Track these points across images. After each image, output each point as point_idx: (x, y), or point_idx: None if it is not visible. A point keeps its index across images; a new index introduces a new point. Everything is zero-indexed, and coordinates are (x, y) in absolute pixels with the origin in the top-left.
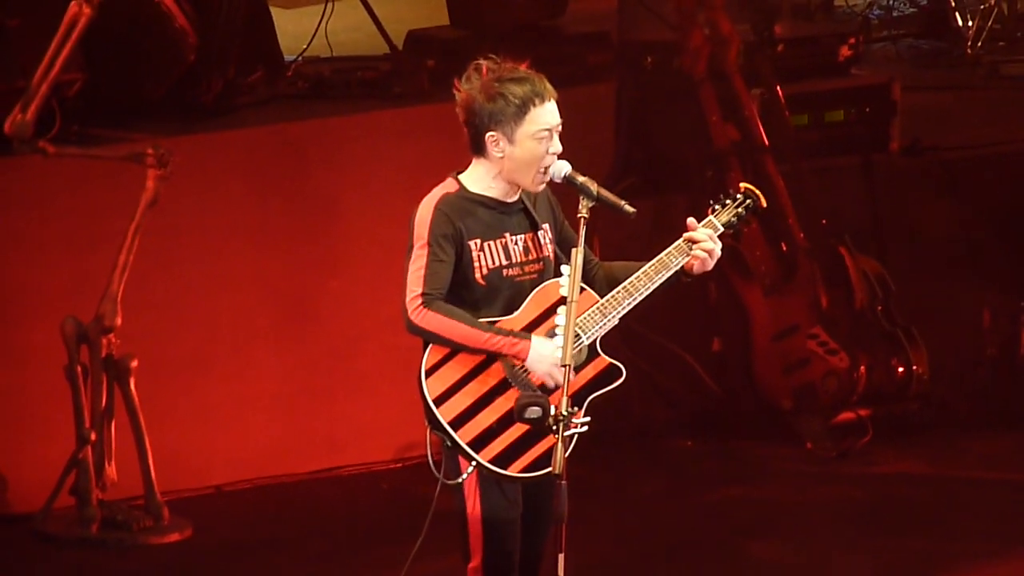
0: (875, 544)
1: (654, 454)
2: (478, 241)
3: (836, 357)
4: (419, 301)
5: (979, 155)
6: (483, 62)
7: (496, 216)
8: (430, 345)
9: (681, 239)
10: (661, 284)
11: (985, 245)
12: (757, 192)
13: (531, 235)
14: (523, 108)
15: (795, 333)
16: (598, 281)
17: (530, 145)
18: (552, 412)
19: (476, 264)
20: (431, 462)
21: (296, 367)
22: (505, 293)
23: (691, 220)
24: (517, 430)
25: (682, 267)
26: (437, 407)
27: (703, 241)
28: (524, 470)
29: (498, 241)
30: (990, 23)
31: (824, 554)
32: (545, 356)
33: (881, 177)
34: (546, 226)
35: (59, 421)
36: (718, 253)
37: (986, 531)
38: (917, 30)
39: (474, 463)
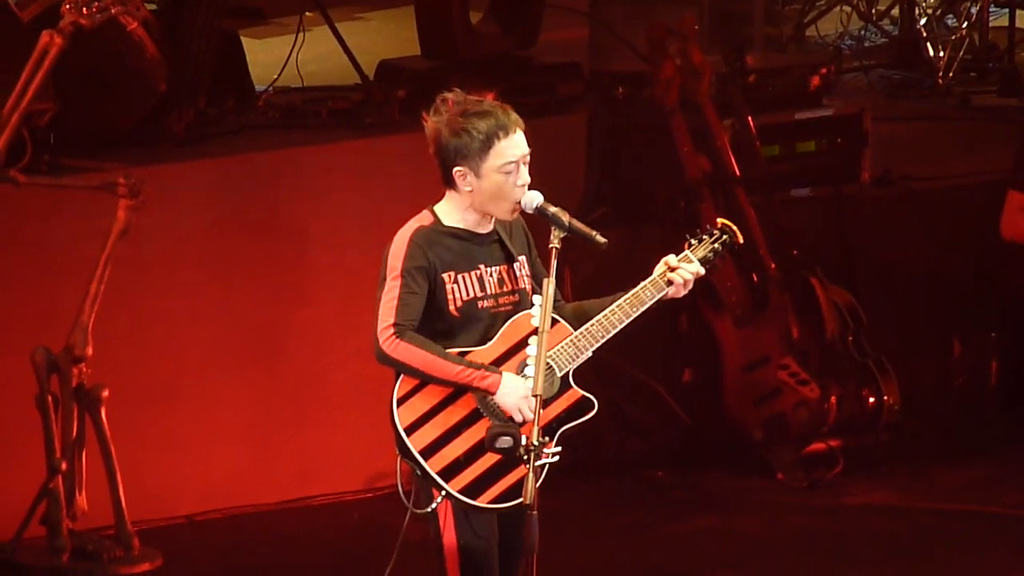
0: (845, 575)
1: (625, 484)
2: (452, 273)
3: (807, 388)
4: (391, 331)
5: (950, 186)
6: (449, 95)
7: (470, 248)
8: (402, 375)
9: (656, 274)
10: (636, 319)
11: (956, 276)
12: (734, 227)
13: (506, 267)
14: (488, 143)
15: (766, 364)
16: (565, 316)
17: (497, 179)
18: (523, 442)
19: (450, 296)
20: (401, 491)
21: (266, 396)
22: (479, 324)
23: (670, 257)
24: (487, 460)
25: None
26: (408, 436)
27: (683, 270)
28: (494, 501)
29: (472, 273)
30: (961, 54)
31: None
32: (515, 389)
33: (852, 208)
34: (522, 258)
35: (29, 451)
36: (691, 284)
37: (958, 562)
38: (888, 60)
39: (444, 493)
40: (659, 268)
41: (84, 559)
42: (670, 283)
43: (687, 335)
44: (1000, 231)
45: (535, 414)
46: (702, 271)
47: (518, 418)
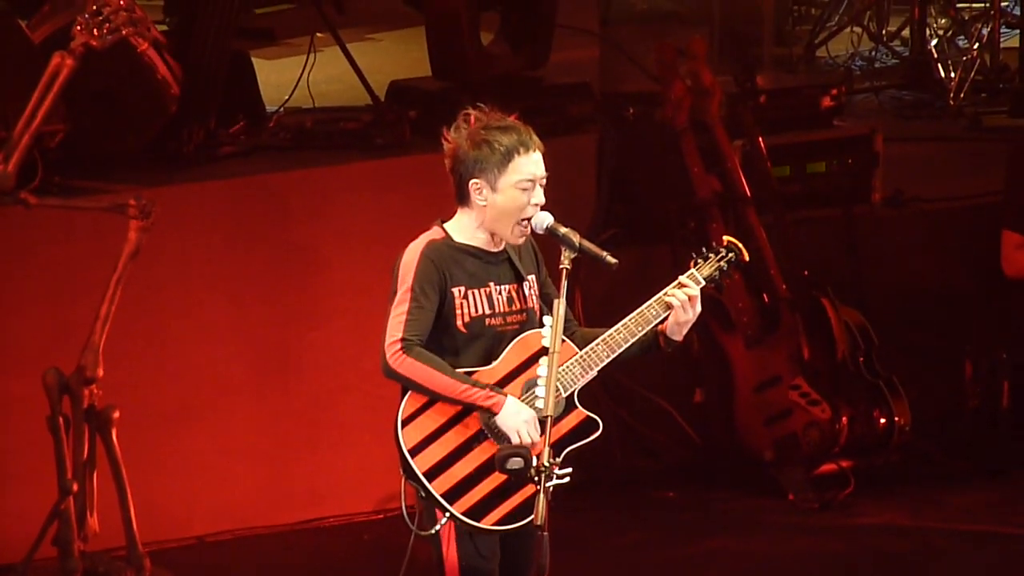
0: None
1: (635, 505)
2: (462, 289)
3: (818, 408)
4: (399, 346)
5: (961, 207)
6: (472, 111)
7: (481, 265)
8: (408, 394)
9: (662, 292)
10: (642, 338)
11: (967, 296)
12: (740, 245)
13: (515, 286)
14: (507, 156)
15: (777, 384)
16: (576, 341)
17: (512, 194)
18: (534, 463)
19: (458, 312)
20: (405, 513)
21: (278, 418)
22: (486, 342)
23: (682, 277)
24: (492, 482)
25: (664, 334)
26: (412, 457)
27: (684, 288)
28: (498, 523)
29: (482, 290)
30: (972, 74)
31: None
32: (517, 413)
33: (863, 228)
34: (531, 278)
35: (41, 472)
36: (696, 309)
37: None
38: (899, 81)
39: (448, 514)
40: (666, 289)
41: None
42: (669, 307)
43: (698, 356)
44: (1003, 271)
45: (546, 434)
46: (696, 293)
47: (515, 440)
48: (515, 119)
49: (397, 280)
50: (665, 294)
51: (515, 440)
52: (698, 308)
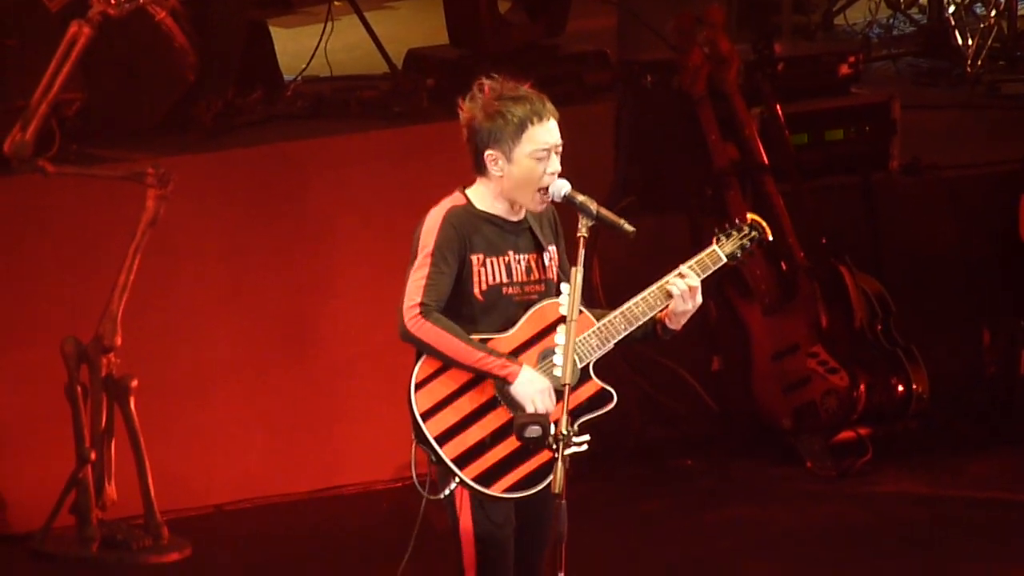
0: (874, 564)
1: (653, 473)
2: (481, 256)
3: (836, 376)
4: (417, 310)
5: (979, 174)
6: (485, 81)
7: (501, 234)
8: (422, 358)
9: (683, 267)
10: (659, 311)
11: (985, 264)
12: (763, 223)
13: (535, 255)
14: (521, 127)
15: (795, 352)
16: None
17: (527, 164)
18: (552, 431)
19: (476, 279)
20: (415, 479)
21: (296, 386)
22: (503, 311)
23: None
24: (503, 449)
25: (663, 322)
26: (424, 421)
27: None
28: (508, 490)
29: (501, 259)
30: (990, 42)
31: (823, 574)
32: (533, 381)
33: (881, 196)
34: (551, 248)
35: (59, 440)
36: (697, 300)
37: (986, 551)
38: (917, 49)
39: (457, 480)
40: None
41: (113, 548)
42: (669, 296)
43: (716, 324)
44: (1020, 238)
45: (564, 403)
46: (696, 284)
47: (530, 409)
48: (529, 87)
49: (418, 244)
50: (687, 268)
51: (529, 409)
52: (698, 300)
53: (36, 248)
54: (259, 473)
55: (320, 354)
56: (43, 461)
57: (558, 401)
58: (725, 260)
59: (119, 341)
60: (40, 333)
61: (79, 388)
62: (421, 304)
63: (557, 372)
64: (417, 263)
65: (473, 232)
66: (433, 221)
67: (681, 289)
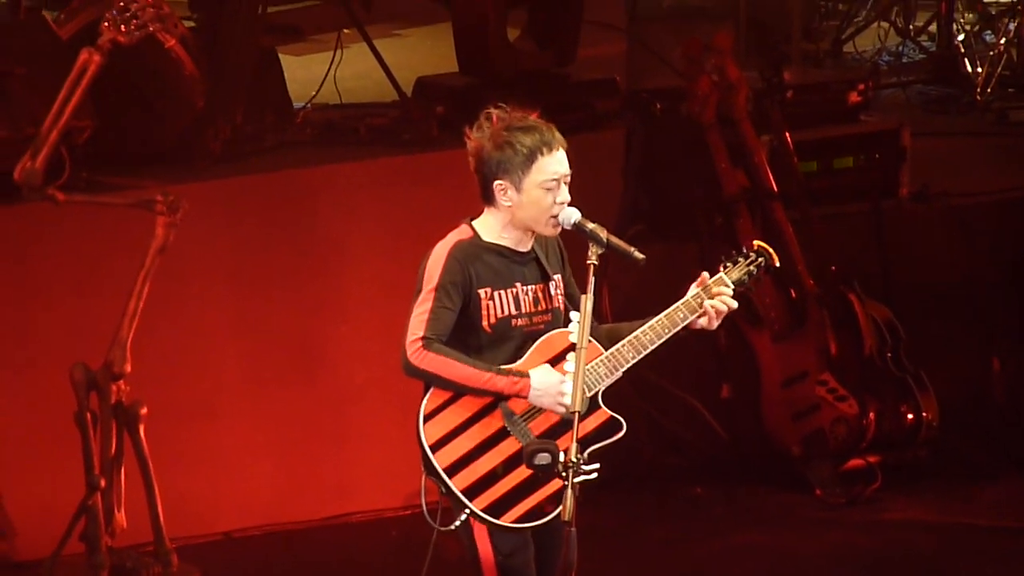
0: None
1: (663, 500)
2: (488, 289)
3: (845, 403)
4: (419, 344)
5: (988, 201)
6: (493, 110)
7: (508, 265)
8: (431, 389)
9: (690, 295)
10: (668, 340)
11: (994, 291)
12: (770, 250)
13: (542, 286)
14: (531, 157)
15: (804, 379)
16: (598, 337)
17: (537, 194)
18: (562, 459)
19: (484, 312)
20: (425, 509)
21: (305, 413)
22: (511, 342)
23: (705, 274)
24: (513, 479)
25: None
26: (434, 453)
27: (723, 296)
28: (518, 520)
29: (509, 291)
30: (999, 69)
31: None
32: (548, 385)
33: (890, 223)
34: (557, 277)
35: (69, 467)
36: (724, 313)
37: None
38: (926, 76)
39: (467, 511)
40: (693, 289)
41: None
42: (700, 311)
43: (725, 351)
44: None
45: (574, 431)
46: (735, 305)
47: (559, 411)
48: (537, 117)
49: (423, 278)
50: (694, 297)
51: (559, 410)
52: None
53: (46, 275)
54: (268, 499)
55: (329, 380)
56: (53, 488)
57: (568, 429)
58: (732, 287)
59: (129, 368)
60: (49, 360)
61: (88, 415)
62: (423, 337)
63: (567, 400)
64: (421, 297)
65: (479, 265)
66: (439, 255)
67: (719, 310)
